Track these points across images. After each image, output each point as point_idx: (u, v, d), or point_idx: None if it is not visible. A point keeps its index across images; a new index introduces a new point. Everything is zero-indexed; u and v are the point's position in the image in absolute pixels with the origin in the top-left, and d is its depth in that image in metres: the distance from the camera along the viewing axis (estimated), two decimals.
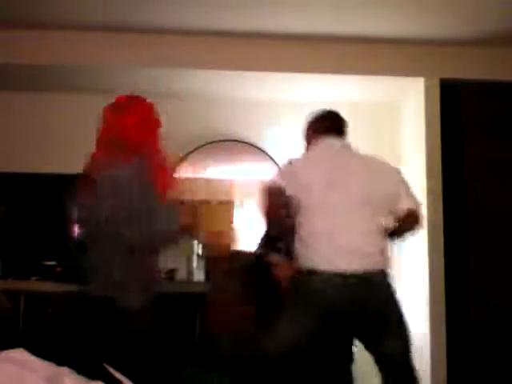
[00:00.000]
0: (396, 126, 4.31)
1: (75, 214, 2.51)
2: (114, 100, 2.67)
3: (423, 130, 3.87)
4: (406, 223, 2.56)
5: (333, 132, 2.71)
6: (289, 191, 2.50)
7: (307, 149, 2.78)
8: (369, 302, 2.39)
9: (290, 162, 2.64)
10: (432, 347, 3.64)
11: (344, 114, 4.40)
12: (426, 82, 3.88)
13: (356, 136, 4.22)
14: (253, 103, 4.20)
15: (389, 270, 2.49)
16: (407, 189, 2.61)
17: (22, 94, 4.15)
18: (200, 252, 3.89)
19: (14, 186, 3.88)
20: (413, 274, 3.98)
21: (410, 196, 2.60)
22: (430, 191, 3.78)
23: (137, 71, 3.87)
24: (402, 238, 2.64)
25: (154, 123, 2.58)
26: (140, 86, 4.07)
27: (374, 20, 3.55)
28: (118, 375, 1.15)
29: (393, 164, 2.65)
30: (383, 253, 2.48)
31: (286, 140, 4.11)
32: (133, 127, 2.48)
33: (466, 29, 3.65)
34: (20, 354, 1.06)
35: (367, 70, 3.85)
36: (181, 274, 3.87)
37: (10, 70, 3.81)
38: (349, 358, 2.91)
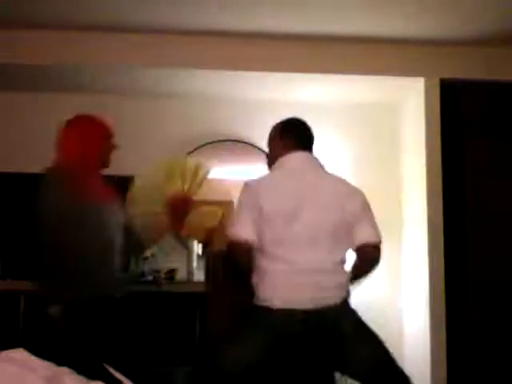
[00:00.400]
0: (396, 126, 4.31)
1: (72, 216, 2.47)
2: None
3: (423, 129, 3.87)
4: (366, 259, 2.37)
5: (302, 147, 2.49)
6: (252, 235, 2.30)
7: (271, 163, 2.53)
8: (327, 335, 2.28)
9: (252, 190, 2.38)
10: (432, 347, 3.64)
11: (344, 114, 4.41)
12: (426, 82, 3.88)
13: (356, 136, 4.25)
14: (253, 103, 4.20)
15: (348, 301, 2.37)
16: (371, 217, 2.43)
17: (21, 93, 4.15)
18: (200, 252, 3.89)
19: (14, 186, 3.87)
20: (413, 274, 3.98)
21: (373, 226, 2.41)
22: (430, 191, 3.78)
23: (137, 71, 3.87)
24: (359, 280, 2.42)
25: (93, 136, 2.58)
26: (140, 86, 4.08)
27: (374, 20, 3.55)
28: (117, 375, 1.15)
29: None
30: (343, 286, 2.35)
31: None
32: (69, 140, 2.54)
33: (466, 29, 3.64)
34: (20, 354, 1.06)
35: (367, 69, 3.84)
36: (181, 274, 3.87)
37: (9, 70, 3.81)
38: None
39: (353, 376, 2.38)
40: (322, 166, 2.52)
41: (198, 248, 3.88)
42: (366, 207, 2.43)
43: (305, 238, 2.32)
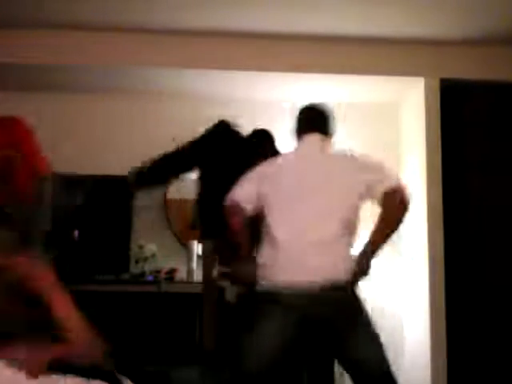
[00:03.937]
0: (396, 126, 4.30)
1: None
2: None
3: (423, 130, 3.87)
4: (392, 206, 2.38)
5: (314, 130, 2.56)
6: (249, 202, 2.43)
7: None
8: (336, 313, 2.29)
9: (260, 171, 2.51)
10: (432, 349, 3.62)
11: (344, 114, 4.40)
12: (425, 82, 3.88)
13: (356, 136, 4.25)
14: (252, 103, 4.20)
15: (354, 280, 2.36)
16: (384, 171, 2.42)
17: (22, 93, 4.14)
18: (200, 252, 3.89)
19: None
20: (412, 276, 3.98)
21: (387, 175, 2.40)
22: (430, 191, 3.78)
23: (137, 71, 3.86)
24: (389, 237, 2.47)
25: None
26: (139, 86, 4.08)
27: (374, 20, 3.55)
28: (117, 375, 1.15)
29: (393, 164, 2.63)
30: (348, 262, 2.34)
31: (285, 140, 4.10)
32: None
33: (466, 29, 3.64)
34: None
35: (367, 69, 3.84)
36: (181, 274, 3.87)
37: (10, 70, 3.81)
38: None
39: (346, 369, 2.38)
40: (329, 148, 2.57)
41: (197, 248, 3.88)
42: (376, 170, 2.43)
43: (314, 220, 2.33)
